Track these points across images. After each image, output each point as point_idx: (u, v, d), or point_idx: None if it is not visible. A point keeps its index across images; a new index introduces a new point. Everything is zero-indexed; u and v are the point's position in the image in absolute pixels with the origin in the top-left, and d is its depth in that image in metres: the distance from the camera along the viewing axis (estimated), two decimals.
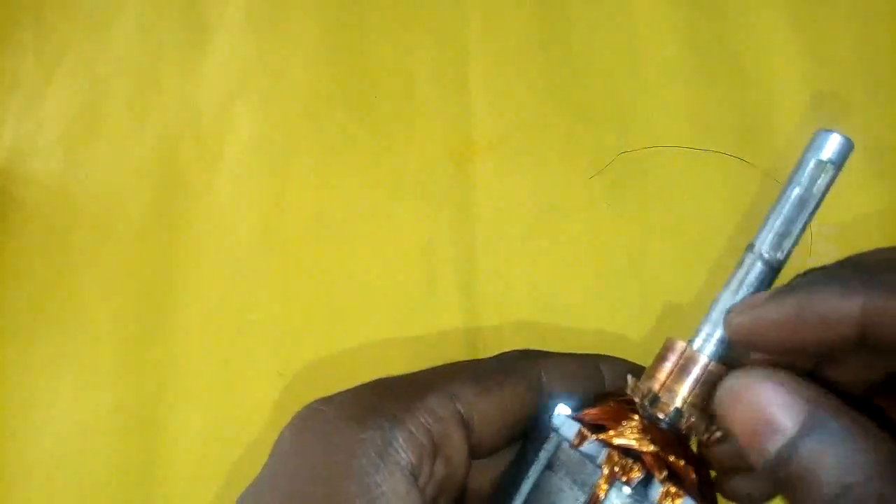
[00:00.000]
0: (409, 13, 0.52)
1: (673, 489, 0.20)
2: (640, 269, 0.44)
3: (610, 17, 0.48)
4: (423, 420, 0.20)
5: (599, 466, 0.20)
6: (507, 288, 0.44)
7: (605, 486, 0.20)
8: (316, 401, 0.21)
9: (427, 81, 0.50)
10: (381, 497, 0.18)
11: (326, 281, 0.48)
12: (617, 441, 0.21)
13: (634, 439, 0.21)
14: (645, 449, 0.21)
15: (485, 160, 0.47)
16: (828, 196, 0.43)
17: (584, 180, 0.46)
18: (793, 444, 0.17)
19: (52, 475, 0.48)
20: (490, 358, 0.24)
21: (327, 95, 0.51)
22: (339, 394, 0.21)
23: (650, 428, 0.22)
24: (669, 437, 0.22)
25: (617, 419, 0.22)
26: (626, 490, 0.20)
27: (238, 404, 0.47)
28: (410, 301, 0.45)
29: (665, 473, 0.21)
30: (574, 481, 0.21)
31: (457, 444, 0.21)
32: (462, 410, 0.21)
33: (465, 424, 0.21)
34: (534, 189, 0.46)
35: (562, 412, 0.22)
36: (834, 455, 0.17)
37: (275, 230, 0.49)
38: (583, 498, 0.20)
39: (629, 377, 0.23)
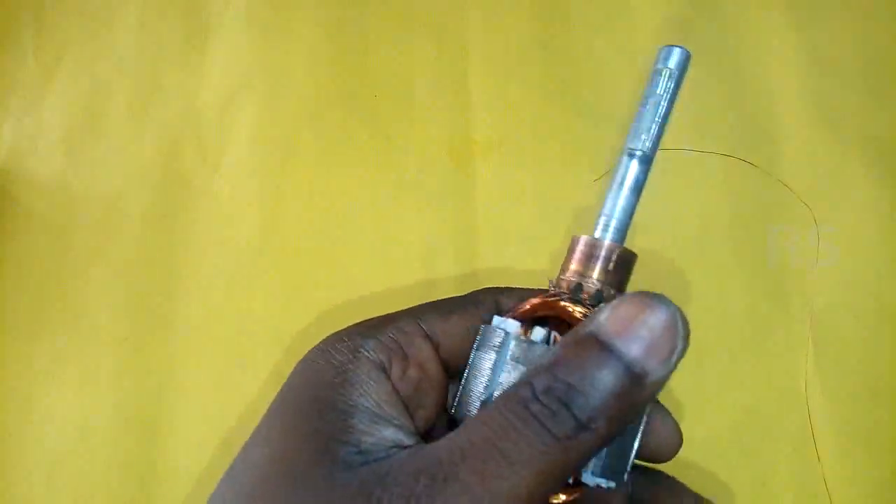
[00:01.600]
0: (409, 13, 0.52)
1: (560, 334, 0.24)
2: (641, 269, 0.44)
3: (609, 16, 0.48)
4: (390, 334, 0.25)
5: (507, 332, 0.25)
6: None
7: (510, 342, 0.24)
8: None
9: (427, 81, 0.50)
10: (353, 376, 0.24)
11: (326, 281, 0.48)
12: (524, 313, 0.25)
13: (541, 310, 0.25)
14: (546, 311, 0.25)
15: (485, 160, 0.47)
16: (829, 197, 0.43)
17: (584, 180, 0.46)
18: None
19: (52, 474, 0.48)
20: (457, 296, 0.29)
21: (328, 95, 0.52)
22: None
23: (552, 298, 0.25)
24: (574, 303, 0.25)
25: (545, 308, 0.26)
26: (521, 338, 0.24)
27: (239, 404, 0.47)
28: (410, 301, 0.45)
29: (557, 325, 0.25)
30: (490, 348, 0.25)
31: (426, 354, 0.26)
32: (426, 329, 0.26)
33: (431, 340, 0.26)
34: (534, 189, 0.46)
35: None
36: None
37: (275, 230, 0.49)
38: (494, 356, 0.24)
39: (549, 280, 0.27)
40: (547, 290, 0.27)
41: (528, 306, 0.26)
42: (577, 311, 0.24)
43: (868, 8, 0.45)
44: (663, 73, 0.28)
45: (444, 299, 0.28)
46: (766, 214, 0.43)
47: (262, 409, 0.46)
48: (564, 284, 0.26)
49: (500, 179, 0.47)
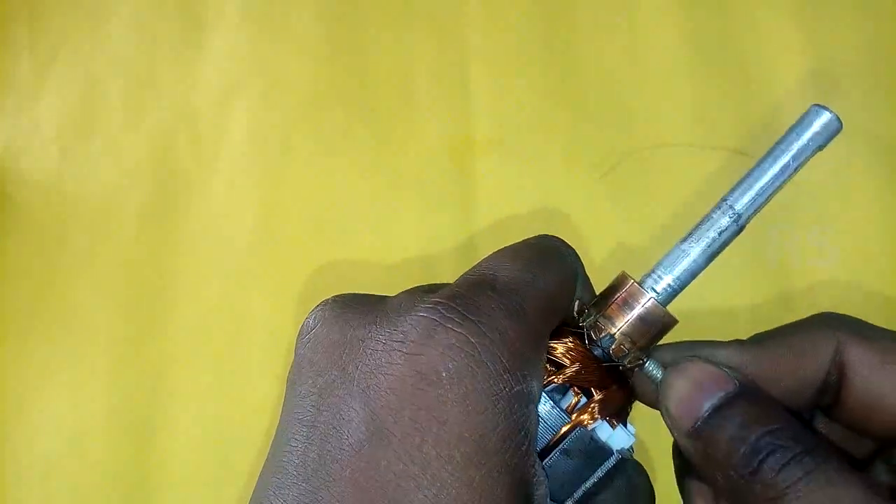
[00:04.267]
0: (409, 8, 0.51)
1: (583, 402, 0.24)
2: (644, 268, 0.44)
3: (612, 13, 0.48)
4: (546, 366, 0.23)
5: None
6: None
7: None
8: (443, 297, 0.22)
9: (427, 78, 0.49)
10: (530, 428, 0.21)
11: (324, 281, 0.47)
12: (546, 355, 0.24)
13: (565, 357, 0.24)
14: (569, 366, 0.24)
15: (485, 159, 0.47)
16: (832, 196, 0.42)
17: (586, 178, 0.45)
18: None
19: (46, 477, 0.48)
20: (532, 246, 0.26)
21: (325, 93, 0.51)
22: (469, 302, 0.22)
23: (583, 351, 0.24)
24: (595, 358, 0.24)
25: (559, 339, 0.25)
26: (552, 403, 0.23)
27: (234, 406, 0.46)
28: None
29: (579, 391, 0.24)
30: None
31: None
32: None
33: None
34: (535, 188, 0.46)
35: None
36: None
37: (272, 230, 0.49)
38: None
39: (577, 302, 0.25)
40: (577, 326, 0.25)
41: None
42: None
43: (871, 5, 0.45)
44: (807, 142, 0.24)
45: (544, 269, 0.25)
46: (768, 213, 0.43)
47: (258, 411, 0.46)
48: (597, 329, 0.24)
49: (500, 179, 0.47)
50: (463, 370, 0.20)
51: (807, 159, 0.24)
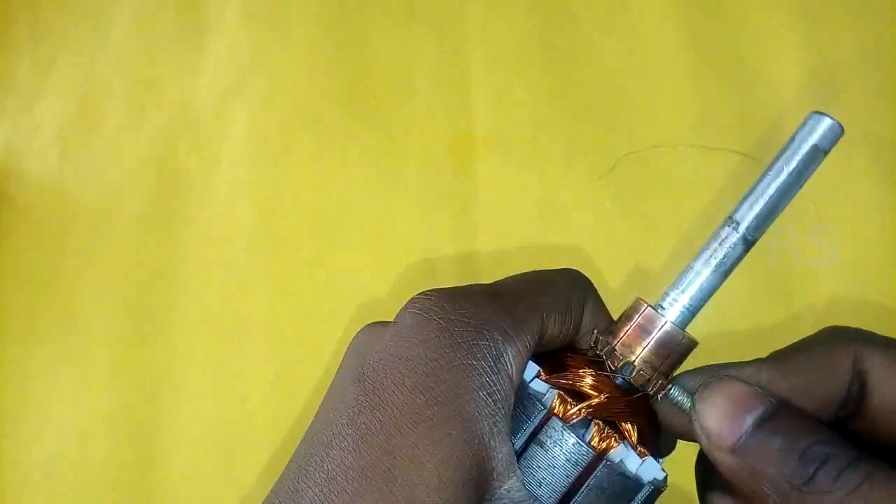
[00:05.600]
0: (409, 8, 0.51)
1: (606, 431, 0.23)
2: (645, 267, 0.44)
3: (612, 14, 0.48)
4: (526, 339, 0.24)
5: (542, 403, 0.23)
6: None
7: (545, 420, 0.23)
8: (433, 292, 0.24)
9: (427, 78, 0.49)
10: (496, 393, 0.22)
11: (325, 281, 0.47)
12: (563, 383, 0.24)
13: (584, 385, 0.24)
14: (588, 393, 0.24)
15: (486, 158, 0.47)
16: (831, 195, 0.42)
17: (586, 178, 0.45)
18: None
19: (48, 476, 0.48)
20: (563, 278, 0.27)
21: (326, 93, 0.51)
22: (456, 291, 0.24)
23: (602, 378, 0.24)
24: (618, 387, 0.24)
25: (577, 368, 0.24)
26: (560, 424, 0.23)
27: (235, 406, 0.46)
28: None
29: (600, 420, 0.23)
30: (526, 413, 0.23)
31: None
32: (547, 334, 0.25)
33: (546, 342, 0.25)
34: (536, 187, 0.46)
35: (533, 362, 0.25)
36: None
37: (273, 230, 0.49)
38: (528, 427, 0.23)
39: (595, 332, 0.25)
40: (593, 354, 0.25)
41: (570, 380, 0.24)
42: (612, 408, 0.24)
43: (870, 5, 0.45)
44: (813, 154, 0.22)
45: (559, 287, 0.26)
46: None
47: (259, 410, 0.46)
48: (614, 358, 0.24)
49: (500, 179, 0.47)
50: (424, 320, 0.23)
51: (811, 168, 0.23)
